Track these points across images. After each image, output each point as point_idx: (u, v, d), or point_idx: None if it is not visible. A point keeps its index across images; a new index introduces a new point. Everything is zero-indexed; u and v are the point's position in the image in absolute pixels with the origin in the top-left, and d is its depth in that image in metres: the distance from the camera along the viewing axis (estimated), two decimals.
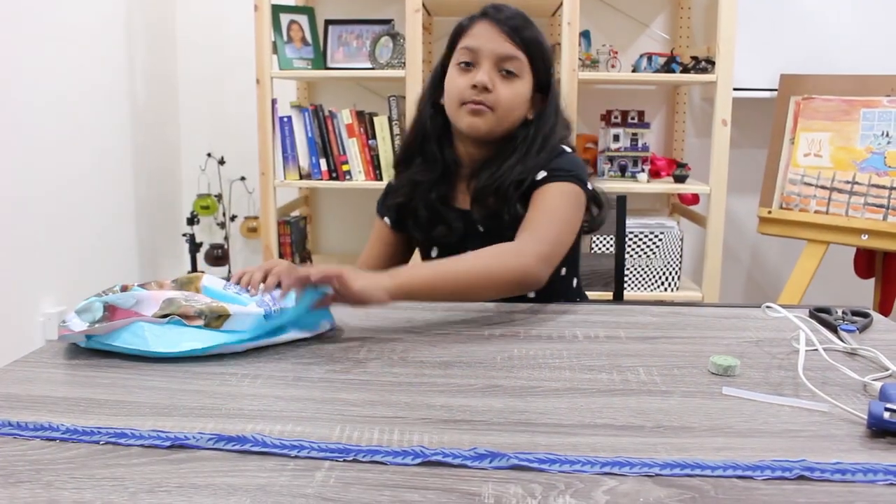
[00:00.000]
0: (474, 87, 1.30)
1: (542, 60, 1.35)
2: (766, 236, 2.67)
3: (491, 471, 0.65)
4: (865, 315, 1.15)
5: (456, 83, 1.33)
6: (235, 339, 0.97)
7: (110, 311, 0.98)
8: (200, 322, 0.97)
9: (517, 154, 1.33)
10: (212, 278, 1.13)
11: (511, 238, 1.24)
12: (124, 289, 1.05)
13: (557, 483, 0.63)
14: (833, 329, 1.09)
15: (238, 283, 1.13)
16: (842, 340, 1.04)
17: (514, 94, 1.32)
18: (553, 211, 1.28)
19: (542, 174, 1.32)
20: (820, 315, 1.14)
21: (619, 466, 0.66)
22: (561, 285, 1.42)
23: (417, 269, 1.19)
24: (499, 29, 1.31)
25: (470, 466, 0.66)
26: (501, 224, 1.32)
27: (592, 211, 1.41)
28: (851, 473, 0.65)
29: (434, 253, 1.43)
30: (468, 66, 1.32)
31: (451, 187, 1.41)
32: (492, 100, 1.30)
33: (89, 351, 0.97)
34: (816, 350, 0.97)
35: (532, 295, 1.35)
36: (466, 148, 1.38)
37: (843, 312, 1.16)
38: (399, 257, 1.51)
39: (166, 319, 0.97)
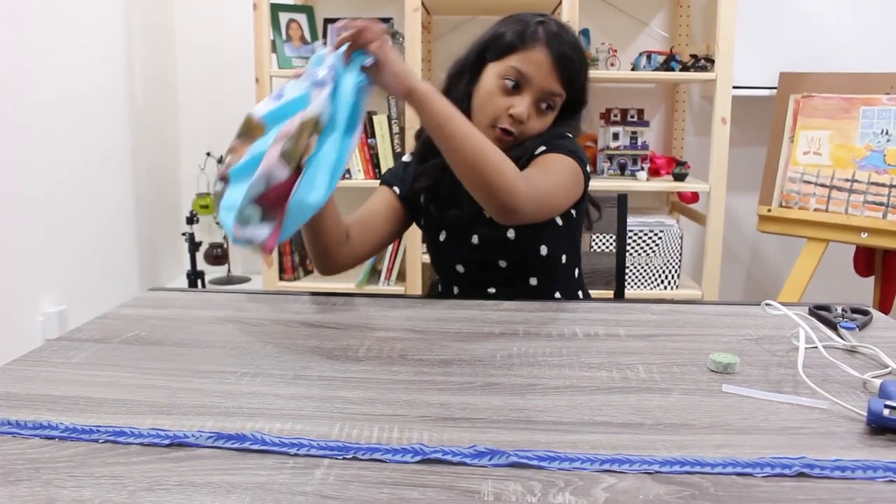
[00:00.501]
0: (511, 115, 1.28)
1: (583, 90, 1.34)
2: (765, 234, 2.67)
3: (490, 468, 0.65)
4: (865, 312, 1.15)
5: (494, 102, 1.30)
6: (337, 133, 1.04)
7: (263, 201, 0.99)
8: (313, 141, 1.01)
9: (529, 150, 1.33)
10: (260, 106, 1.15)
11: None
12: (223, 177, 1.08)
13: (557, 480, 0.63)
14: (833, 326, 1.09)
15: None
16: (841, 338, 1.04)
17: (542, 127, 1.33)
18: (549, 168, 1.27)
19: (541, 148, 1.31)
20: (820, 313, 1.14)
21: (619, 464, 0.66)
22: (562, 273, 1.42)
23: (442, 97, 1.15)
24: (554, 64, 1.28)
25: (469, 464, 0.66)
26: None
27: (591, 213, 1.44)
28: (851, 470, 0.65)
29: (442, 237, 1.42)
30: (512, 88, 1.29)
31: None
32: (521, 130, 1.30)
33: (88, 350, 0.97)
34: (816, 348, 0.97)
35: (534, 283, 1.37)
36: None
37: (843, 310, 1.16)
38: (393, 225, 1.43)
39: (302, 170, 1.00)
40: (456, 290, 1.43)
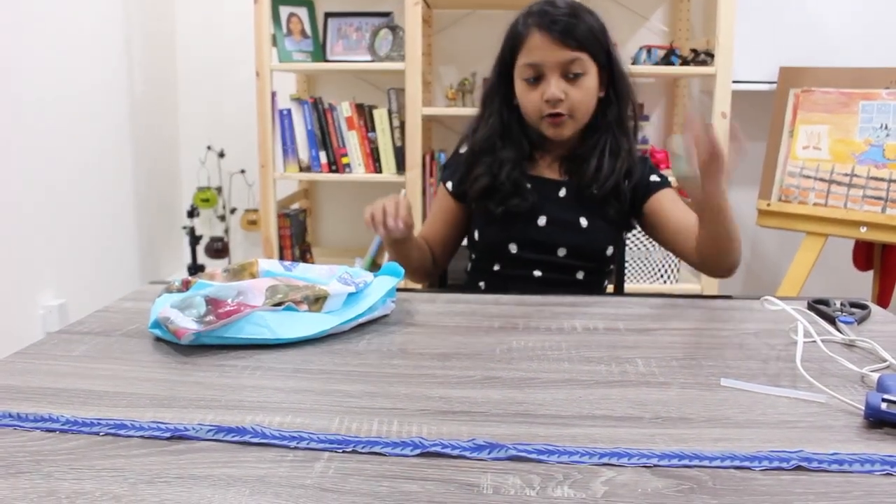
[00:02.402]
0: (547, 101, 1.34)
1: (600, 47, 1.36)
2: (764, 229, 2.67)
3: (489, 462, 0.66)
4: (863, 307, 1.15)
5: (529, 100, 1.37)
6: (340, 320, 1.02)
7: (213, 304, 0.98)
8: (305, 307, 1.01)
9: (606, 133, 1.41)
10: (268, 262, 1.16)
11: (590, 199, 1.40)
12: (185, 283, 1.06)
13: (556, 474, 0.64)
14: (831, 321, 1.09)
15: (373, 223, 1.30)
16: (840, 332, 1.04)
17: (585, 93, 1.36)
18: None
19: (654, 177, 1.44)
20: (818, 307, 1.15)
21: (618, 457, 0.66)
22: (606, 264, 1.48)
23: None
24: (553, 37, 1.32)
25: (468, 457, 0.66)
26: (586, 192, 1.41)
27: None
28: (849, 464, 0.66)
29: (514, 249, 1.44)
30: (535, 81, 1.36)
31: (533, 160, 1.46)
32: (567, 107, 1.35)
33: (89, 343, 0.97)
34: (815, 342, 0.97)
35: (581, 276, 1.44)
36: None
37: (842, 304, 1.16)
38: (460, 228, 1.54)
39: (282, 307, 0.99)
40: (497, 266, 1.46)
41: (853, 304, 1.16)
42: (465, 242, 1.56)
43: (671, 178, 1.42)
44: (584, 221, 1.42)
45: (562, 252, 1.42)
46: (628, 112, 1.43)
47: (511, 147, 1.42)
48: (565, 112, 1.35)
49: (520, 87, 1.39)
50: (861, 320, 1.11)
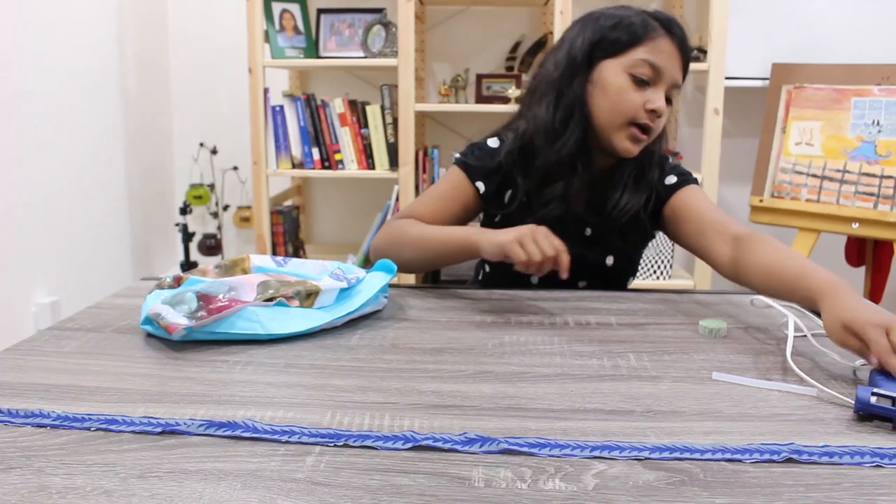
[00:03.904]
0: (651, 111, 1.21)
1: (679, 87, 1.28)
2: (757, 225, 2.68)
3: (481, 455, 0.66)
4: None
5: (631, 98, 1.21)
6: (332, 316, 1.01)
7: (205, 300, 0.97)
8: (297, 303, 1.00)
9: (633, 163, 1.29)
10: (260, 258, 1.16)
11: (613, 234, 1.31)
12: (177, 279, 1.05)
13: (547, 467, 0.64)
14: None
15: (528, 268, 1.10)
16: None
17: (666, 121, 1.28)
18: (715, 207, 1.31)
19: (671, 179, 1.32)
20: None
21: (609, 450, 0.66)
22: (634, 262, 1.44)
23: None
24: (680, 53, 1.23)
25: (460, 451, 0.66)
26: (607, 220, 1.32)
27: None
28: (839, 456, 0.66)
29: (535, 280, 1.36)
30: (642, 83, 1.21)
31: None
32: (656, 125, 1.24)
33: (81, 339, 0.97)
34: (805, 336, 0.98)
35: (610, 262, 1.36)
36: (598, 154, 1.31)
37: None
38: (466, 221, 1.39)
39: (274, 302, 0.99)
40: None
41: None
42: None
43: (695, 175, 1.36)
44: (609, 261, 1.35)
45: (582, 284, 1.36)
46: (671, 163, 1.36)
47: (587, 169, 1.27)
48: (655, 128, 1.23)
49: (621, 80, 1.21)
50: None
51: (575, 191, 1.26)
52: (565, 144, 1.25)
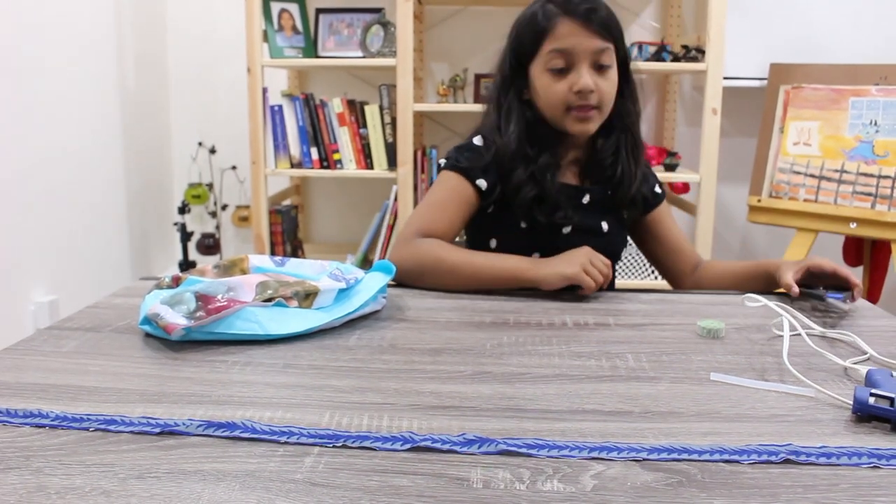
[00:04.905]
0: (578, 92, 1.27)
1: (621, 39, 1.32)
2: (755, 225, 2.68)
3: (480, 456, 0.66)
4: (847, 288, 1.18)
5: (556, 91, 1.29)
6: (330, 317, 1.01)
7: (203, 300, 0.97)
8: (296, 303, 1.00)
9: (623, 133, 1.38)
10: (259, 258, 1.16)
11: (611, 206, 1.40)
12: (175, 279, 1.05)
13: (545, 468, 0.64)
14: (820, 299, 1.10)
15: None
16: (829, 310, 1.06)
17: (612, 85, 1.31)
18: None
19: (658, 188, 1.47)
20: (806, 290, 1.16)
21: (607, 451, 0.67)
22: (616, 264, 1.48)
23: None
24: (586, 25, 1.26)
25: (459, 452, 0.66)
26: (608, 196, 1.40)
27: None
28: (836, 457, 0.66)
29: (523, 224, 1.36)
30: (561, 71, 1.28)
31: (559, 166, 1.38)
32: (596, 99, 1.28)
33: (79, 339, 0.97)
34: (799, 334, 0.98)
35: (605, 227, 1.42)
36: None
37: (824, 288, 1.18)
38: (465, 224, 1.41)
39: (272, 302, 0.99)
40: None
41: (836, 287, 1.19)
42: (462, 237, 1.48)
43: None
44: (605, 225, 1.39)
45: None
46: (636, 108, 1.41)
47: (546, 151, 1.33)
48: (595, 104, 1.28)
49: (543, 78, 1.30)
50: (848, 298, 1.13)
51: (544, 169, 1.32)
52: (510, 139, 1.33)
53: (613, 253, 1.42)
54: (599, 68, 1.28)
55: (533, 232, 1.35)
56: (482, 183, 1.34)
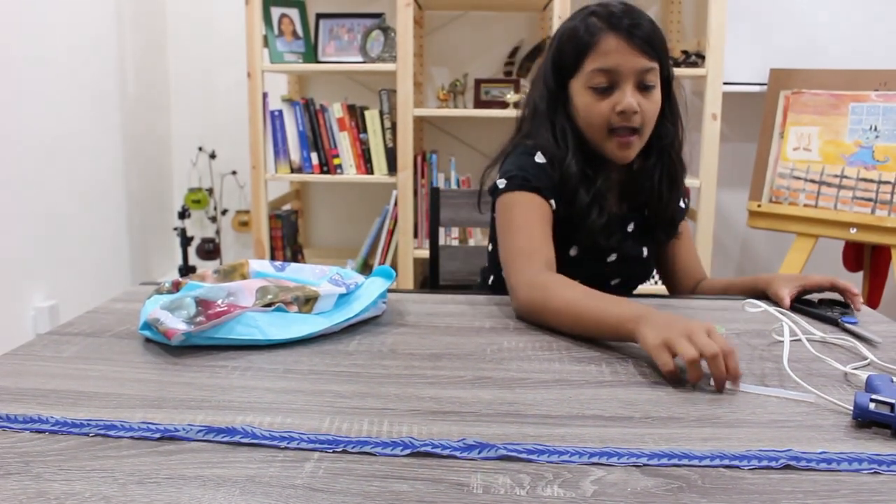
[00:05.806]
0: (621, 112, 1.21)
1: (666, 57, 1.27)
2: (755, 230, 2.68)
3: (480, 461, 0.66)
4: (845, 304, 1.18)
5: (598, 111, 1.23)
6: (330, 322, 1.02)
7: (203, 305, 0.97)
8: (296, 308, 1.01)
9: (663, 157, 1.34)
10: (259, 263, 1.16)
11: (648, 230, 1.37)
12: (176, 284, 1.05)
13: (546, 473, 0.64)
14: (835, 323, 1.10)
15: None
16: (846, 330, 1.07)
17: (655, 106, 1.26)
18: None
19: (682, 204, 1.41)
20: (817, 311, 1.15)
21: (607, 457, 0.66)
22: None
23: None
24: (632, 43, 1.20)
25: (459, 457, 0.66)
26: (646, 220, 1.37)
27: None
28: (837, 463, 0.66)
29: (573, 251, 1.32)
30: (604, 91, 1.22)
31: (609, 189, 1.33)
32: (639, 120, 1.22)
33: (79, 344, 0.97)
34: (800, 340, 0.98)
35: (645, 254, 1.41)
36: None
37: (820, 301, 1.19)
38: None
39: (272, 308, 0.99)
40: None
41: (833, 303, 1.19)
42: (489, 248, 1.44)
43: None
44: (645, 251, 1.39)
45: (615, 282, 1.39)
46: (679, 134, 1.36)
47: (600, 173, 1.28)
48: (637, 125, 1.22)
49: (585, 96, 1.24)
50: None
51: (605, 192, 1.28)
52: (570, 162, 1.26)
53: (646, 276, 1.43)
54: (643, 88, 1.22)
55: (581, 261, 1.31)
56: (553, 203, 1.27)
